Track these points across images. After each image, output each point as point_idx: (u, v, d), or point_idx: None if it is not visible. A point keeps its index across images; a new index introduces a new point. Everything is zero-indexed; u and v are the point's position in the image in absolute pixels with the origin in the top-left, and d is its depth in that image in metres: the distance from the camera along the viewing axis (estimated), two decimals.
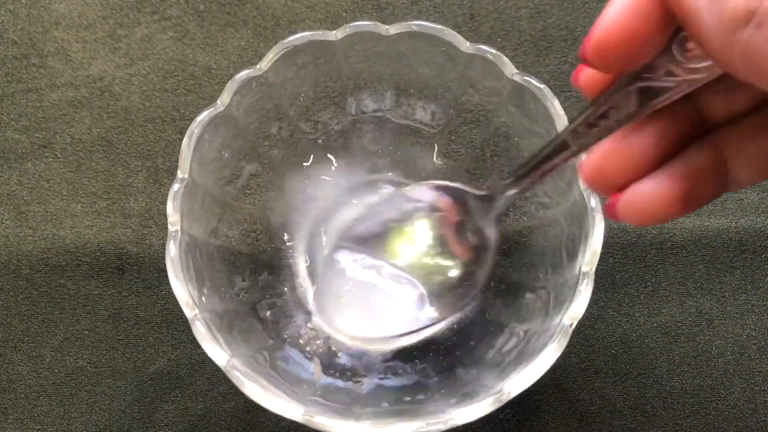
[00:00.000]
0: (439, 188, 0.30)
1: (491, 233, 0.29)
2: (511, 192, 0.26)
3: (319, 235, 0.37)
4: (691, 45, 0.17)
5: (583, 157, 0.21)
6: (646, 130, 0.19)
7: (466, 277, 0.30)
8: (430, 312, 0.31)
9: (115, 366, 0.37)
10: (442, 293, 0.31)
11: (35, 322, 0.38)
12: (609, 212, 0.20)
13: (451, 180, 0.30)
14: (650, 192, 0.19)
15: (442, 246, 0.30)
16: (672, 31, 0.17)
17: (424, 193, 0.30)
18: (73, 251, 0.38)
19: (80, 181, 0.39)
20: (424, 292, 0.31)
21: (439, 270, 0.31)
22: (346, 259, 0.32)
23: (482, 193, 0.28)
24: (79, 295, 0.38)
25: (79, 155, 0.40)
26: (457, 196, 0.29)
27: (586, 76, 0.20)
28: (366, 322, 0.32)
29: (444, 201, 0.30)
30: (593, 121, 0.20)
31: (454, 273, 0.30)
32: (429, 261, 0.31)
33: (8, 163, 0.40)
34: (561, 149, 0.22)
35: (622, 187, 0.19)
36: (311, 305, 0.35)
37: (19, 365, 0.37)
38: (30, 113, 0.40)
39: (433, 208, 0.30)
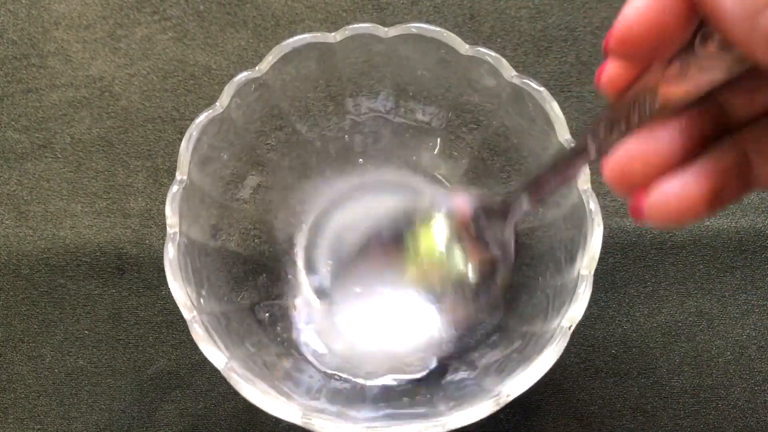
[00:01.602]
0: (453, 197, 0.30)
1: (510, 243, 0.28)
2: (529, 200, 0.26)
3: (317, 237, 0.37)
4: (712, 43, 0.17)
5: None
6: (669, 129, 0.19)
7: (484, 290, 0.30)
8: (446, 331, 0.31)
9: (115, 366, 0.37)
10: (457, 309, 0.30)
11: (35, 322, 0.38)
12: (634, 213, 0.20)
13: (467, 187, 0.30)
14: (678, 192, 0.19)
15: (457, 257, 0.30)
16: (695, 24, 0.17)
17: (438, 201, 0.30)
18: (73, 251, 0.38)
19: (80, 181, 0.39)
20: (438, 311, 0.31)
21: (454, 284, 0.30)
22: (352, 283, 0.32)
23: (499, 201, 0.28)
24: (79, 295, 0.38)
25: (79, 155, 0.40)
26: (473, 204, 0.29)
27: (608, 76, 0.20)
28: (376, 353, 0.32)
29: (459, 210, 0.30)
30: (614, 120, 0.20)
31: (471, 287, 0.30)
32: (443, 274, 0.30)
33: (8, 163, 0.40)
34: (581, 152, 0.22)
35: (644, 187, 0.19)
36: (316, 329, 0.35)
37: (19, 365, 0.37)
38: (30, 113, 0.40)
39: (449, 217, 0.30)
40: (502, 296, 0.29)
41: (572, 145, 0.22)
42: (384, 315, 0.33)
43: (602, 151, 0.20)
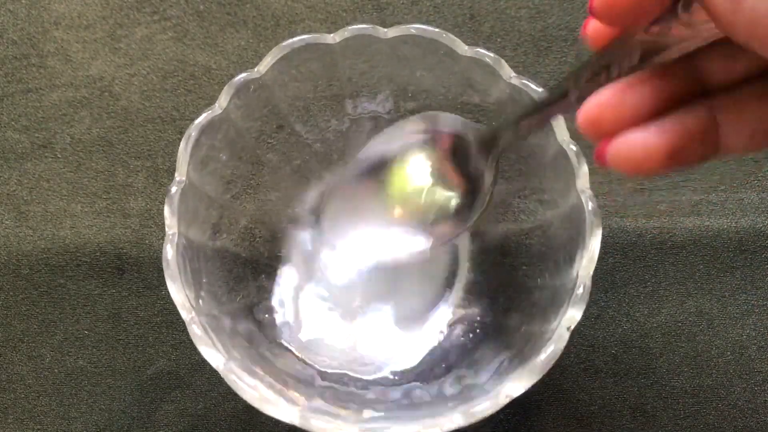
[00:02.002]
0: (438, 120, 0.30)
1: (490, 170, 0.28)
2: (511, 132, 0.26)
3: (316, 237, 0.37)
4: (693, 9, 0.17)
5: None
6: (644, 84, 0.20)
7: (462, 207, 0.30)
8: (423, 239, 0.30)
9: (115, 366, 0.37)
10: (437, 221, 0.30)
11: (35, 322, 0.38)
12: (598, 158, 0.21)
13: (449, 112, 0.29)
14: (640, 142, 0.19)
15: (438, 177, 0.30)
16: None
17: (421, 125, 0.30)
18: (73, 251, 0.38)
19: (80, 181, 0.39)
20: (420, 222, 0.30)
21: (435, 201, 0.30)
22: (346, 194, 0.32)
23: (483, 128, 0.28)
24: (79, 295, 0.38)
25: (79, 155, 0.40)
26: (456, 129, 0.29)
27: (593, 29, 0.21)
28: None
29: (443, 134, 0.30)
30: (595, 71, 0.21)
31: (451, 201, 0.30)
32: (425, 193, 0.30)
33: (8, 163, 0.40)
34: (562, 96, 0.22)
35: (613, 136, 0.20)
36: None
37: (19, 365, 0.37)
38: (30, 113, 0.40)
39: (431, 141, 0.30)
40: (477, 215, 0.29)
41: (553, 89, 0.23)
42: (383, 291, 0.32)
43: (581, 98, 0.21)
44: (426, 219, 0.30)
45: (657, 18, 0.18)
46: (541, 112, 0.24)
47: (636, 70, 0.19)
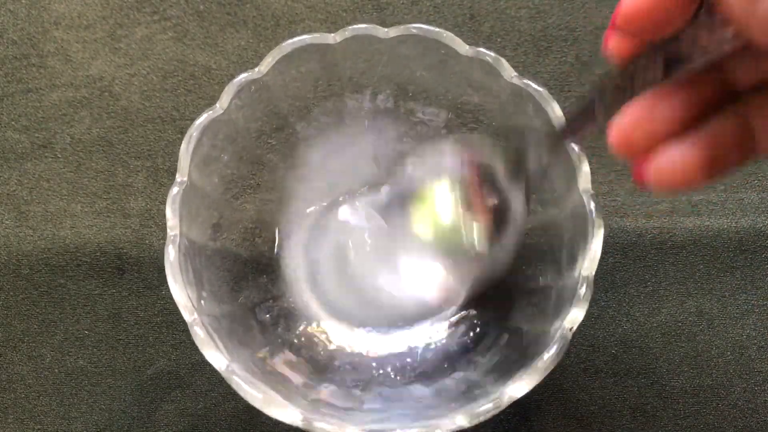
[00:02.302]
0: (465, 147, 0.29)
1: (521, 197, 0.27)
2: (540, 153, 0.25)
3: (317, 237, 0.37)
4: (718, 14, 0.17)
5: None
6: (673, 96, 0.19)
7: (493, 248, 0.29)
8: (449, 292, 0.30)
9: (115, 366, 0.37)
10: (463, 269, 0.29)
11: (35, 322, 0.38)
12: (638, 178, 0.20)
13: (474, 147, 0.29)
14: (679, 158, 0.19)
15: (463, 218, 0.29)
16: (698, 2, 0.17)
17: (449, 155, 0.29)
18: (73, 251, 0.38)
19: (80, 181, 0.39)
20: (443, 269, 0.30)
21: (460, 244, 0.29)
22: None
23: (510, 149, 0.27)
24: (79, 295, 0.38)
25: (79, 155, 0.40)
26: (483, 157, 0.28)
27: (615, 42, 0.20)
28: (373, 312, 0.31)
29: (466, 170, 0.29)
30: (620, 85, 0.20)
31: (479, 244, 0.29)
32: (450, 235, 0.29)
33: (8, 163, 0.40)
34: (588, 112, 0.22)
35: (648, 153, 0.20)
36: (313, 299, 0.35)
37: (19, 365, 0.37)
38: (30, 113, 0.40)
39: (460, 175, 0.29)
40: (513, 251, 0.28)
41: (579, 105, 0.22)
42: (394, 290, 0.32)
43: (607, 114, 0.21)
44: (456, 261, 0.29)
45: (681, 28, 0.18)
46: (568, 129, 0.24)
47: (663, 82, 0.19)
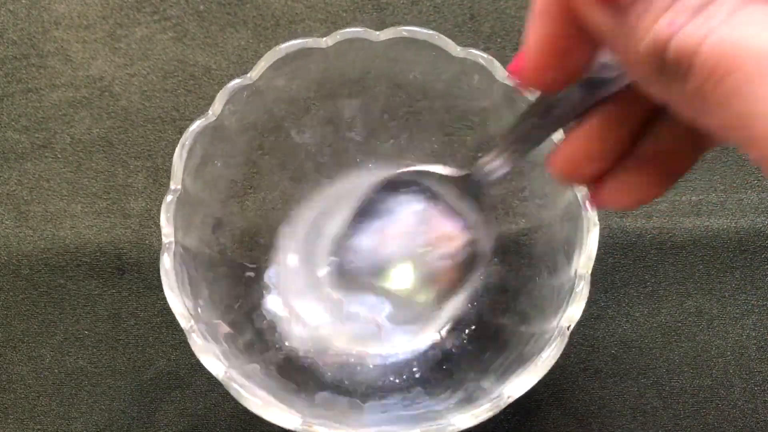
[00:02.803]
0: (409, 181, 0.28)
1: (484, 214, 0.27)
2: (482, 174, 0.24)
3: (313, 242, 0.37)
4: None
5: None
6: (606, 117, 0.19)
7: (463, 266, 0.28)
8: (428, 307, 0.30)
9: (115, 366, 0.37)
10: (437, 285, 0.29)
11: (35, 322, 0.38)
12: (594, 204, 0.21)
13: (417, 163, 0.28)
14: (631, 184, 0.19)
15: (429, 244, 0.29)
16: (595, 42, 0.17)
17: (396, 189, 0.28)
18: (73, 251, 0.38)
19: (80, 181, 0.39)
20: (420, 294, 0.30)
21: (431, 269, 0.29)
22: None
23: (460, 174, 0.26)
24: (79, 295, 0.38)
25: (79, 155, 0.40)
26: (431, 185, 0.27)
27: (525, 78, 0.19)
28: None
29: (420, 194, 0.28)
30: (542, 114, 0.20)
31: (448, 263, 0.29)
32: (418, 263, 0.29)
33: (8, 163, 0.40)
34: (516, 140, 0.22)
35: (596, 176, 0.20)
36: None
37: (19, 365, 0.37)
38: (30, 113, 0.40)
39: (412, 203, 0.28)
40: (489, 260, 0.28)
41: (508, 130, 0.22)
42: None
43: (537, 139, 0.21)
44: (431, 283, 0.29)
45: (587, 65, 0.18)
46: (501, 149, 0.23)
47: (583, 107, 0.19)
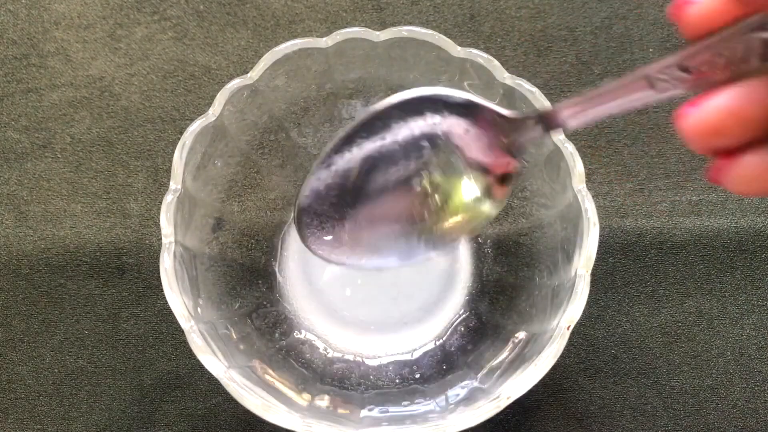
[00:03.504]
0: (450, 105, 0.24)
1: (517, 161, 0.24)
2: (560, 123, 0.21)
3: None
4: None
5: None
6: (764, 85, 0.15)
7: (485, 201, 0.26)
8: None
9: (115, 366, 0.37)
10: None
11: (35, 322, 0.38)
12: (713, 178, 0.17)
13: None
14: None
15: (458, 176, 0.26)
16: None
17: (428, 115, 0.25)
18: (73, 251, 0.38)
19: (80, 181, 0.39)
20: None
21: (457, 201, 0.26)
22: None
23: (515, 116, 0.23)
24: (79, 295, 0.38)
25: (79, 155, 0.40)
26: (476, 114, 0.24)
27: (697, 9, 0.16)
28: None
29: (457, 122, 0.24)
30: (690, 66, 0.16)
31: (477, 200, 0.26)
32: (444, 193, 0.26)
33: (8, 163, 0.40)
34: (637, 86, 0.18)
35: (734, 148, 0.16)
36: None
37: (19, 365, 0.37)
38: (30, 113, 0.40)
39: (443, 136, 0.25)
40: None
41: (627, 74, 0.18)
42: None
43: (664, 92, 0.17)
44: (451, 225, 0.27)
45: None
46: (602, 102, 0.19)
47: (754, 72, 0.15)
